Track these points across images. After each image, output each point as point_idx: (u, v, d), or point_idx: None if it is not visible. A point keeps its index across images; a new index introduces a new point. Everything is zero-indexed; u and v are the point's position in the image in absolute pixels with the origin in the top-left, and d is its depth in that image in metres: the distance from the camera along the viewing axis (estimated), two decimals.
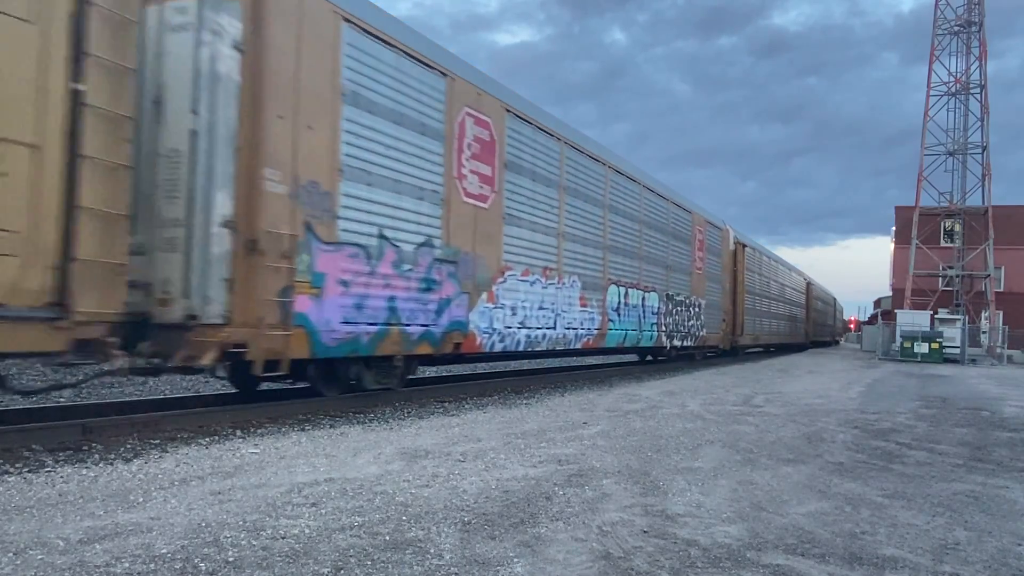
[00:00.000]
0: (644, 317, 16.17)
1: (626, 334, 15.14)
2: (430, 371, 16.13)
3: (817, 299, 49.07)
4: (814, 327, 46.84)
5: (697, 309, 20.16)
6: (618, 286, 14.71)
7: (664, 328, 17.49)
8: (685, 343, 19.10)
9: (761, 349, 35.58)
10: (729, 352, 25.81)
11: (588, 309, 13.29)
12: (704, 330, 20.79)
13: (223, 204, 6.62)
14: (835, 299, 68.19)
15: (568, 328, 12.52)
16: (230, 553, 3.32)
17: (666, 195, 18.19)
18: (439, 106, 9.45)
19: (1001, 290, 42.45)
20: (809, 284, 44.16)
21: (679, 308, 18.62)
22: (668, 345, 17.88)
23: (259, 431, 6.89)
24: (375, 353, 8.42)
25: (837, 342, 68.54)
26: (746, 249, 26.17)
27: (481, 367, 17.78)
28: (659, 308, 17.13)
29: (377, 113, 8.35)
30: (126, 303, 5.88)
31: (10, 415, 7.16)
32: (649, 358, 20.48)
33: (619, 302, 14.74)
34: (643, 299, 16.15)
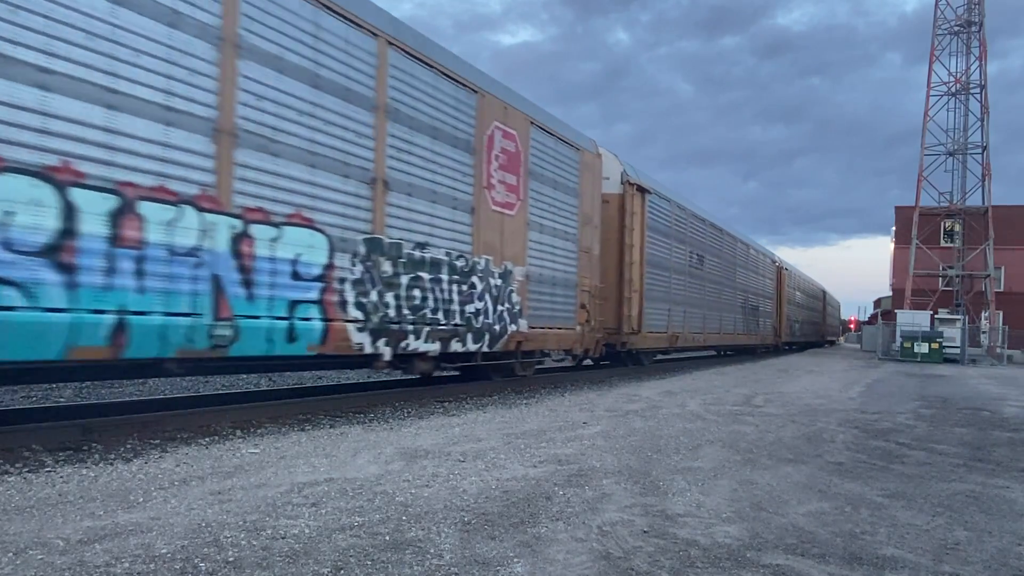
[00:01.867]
0: (255, 286, 6.75)
1: (132, 326, 5.73)
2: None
3: (795, 290, 39.05)
4: (790, 325, 36.54)
5: (500, 283, 10.62)
6: (77, 187, 5.41)
7: (357, 314, 7.89)
8: (460, 346, 9.70)
9: (713, 352, 27.25)
10: (609, 361, 16.51)
11: None
12: (519, 323, 11.10)
13: None
14: (825, 292, 56.96)
15: None
16: (230, 553, 3.32)
17: (379, 28, 8.27)
18: None
19: (1001, 290, 42.46)
20: (783, 269, 34.35)
21: (427, 276, 9.03)
22: (378, 350, 8.18)
23: (259, 431, 6.89)
24: None
25: (832, 343, 62.68)
26: (649, 197, 16.01)
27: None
28: (329, 268, 7.56)
29: None
30: None
31: (10, 415, 7.16)
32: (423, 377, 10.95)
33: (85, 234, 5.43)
34: (241, 241, 6.63)
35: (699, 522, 4.13)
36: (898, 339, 32.73)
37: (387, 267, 8.42)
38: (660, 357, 21.04)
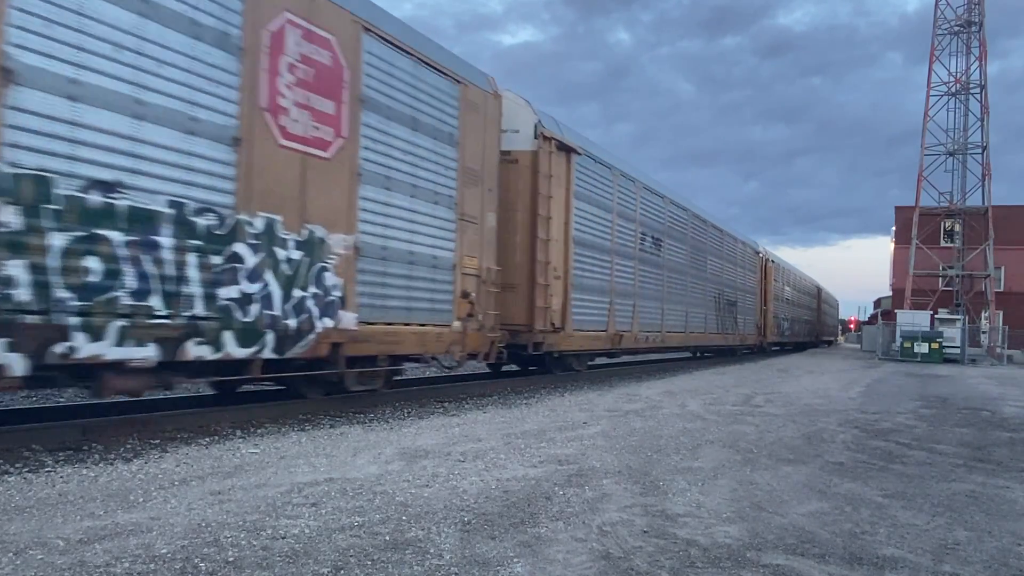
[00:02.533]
0: None
1: None
2: (431, 371, 16.12)
3: (785, 285, 35.71)
4: (778, 324, 33.59)
5: (298, 257, 7.26)
6: None
7: None
8: (211, 351, 6.32)
9: (689, 355, 24.16)
10: (535, 367, 13.69)
11: None
12: (339, 317, 7.77)
13: None
14: (820, 289, 53.43)
15: None
16: (230, 553, 3.32)
17: None
18: None
19: (1001, 290, 42.47)
20: (769, 262, 31.11)
21: (120, 236, 5.55)
22: None
23: (259, 431, 6.89)
24: None
25: (829, 343, 60.92)
26: (577, 158, 12.78)
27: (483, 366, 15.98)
28: None
29: None
30: None
31: (10, 415, 7.16)
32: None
33: None
34: None
35: (699, 522, 4.13)
36: (898, 339, 32.74)
37: (9, 217, 4.92)
38: (604, 360, 17.15)
